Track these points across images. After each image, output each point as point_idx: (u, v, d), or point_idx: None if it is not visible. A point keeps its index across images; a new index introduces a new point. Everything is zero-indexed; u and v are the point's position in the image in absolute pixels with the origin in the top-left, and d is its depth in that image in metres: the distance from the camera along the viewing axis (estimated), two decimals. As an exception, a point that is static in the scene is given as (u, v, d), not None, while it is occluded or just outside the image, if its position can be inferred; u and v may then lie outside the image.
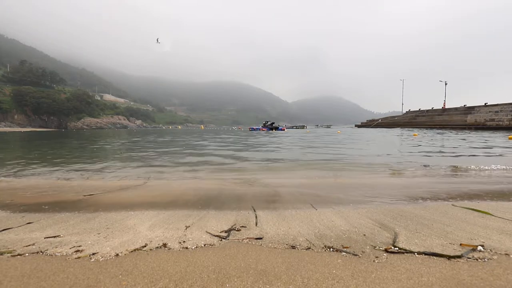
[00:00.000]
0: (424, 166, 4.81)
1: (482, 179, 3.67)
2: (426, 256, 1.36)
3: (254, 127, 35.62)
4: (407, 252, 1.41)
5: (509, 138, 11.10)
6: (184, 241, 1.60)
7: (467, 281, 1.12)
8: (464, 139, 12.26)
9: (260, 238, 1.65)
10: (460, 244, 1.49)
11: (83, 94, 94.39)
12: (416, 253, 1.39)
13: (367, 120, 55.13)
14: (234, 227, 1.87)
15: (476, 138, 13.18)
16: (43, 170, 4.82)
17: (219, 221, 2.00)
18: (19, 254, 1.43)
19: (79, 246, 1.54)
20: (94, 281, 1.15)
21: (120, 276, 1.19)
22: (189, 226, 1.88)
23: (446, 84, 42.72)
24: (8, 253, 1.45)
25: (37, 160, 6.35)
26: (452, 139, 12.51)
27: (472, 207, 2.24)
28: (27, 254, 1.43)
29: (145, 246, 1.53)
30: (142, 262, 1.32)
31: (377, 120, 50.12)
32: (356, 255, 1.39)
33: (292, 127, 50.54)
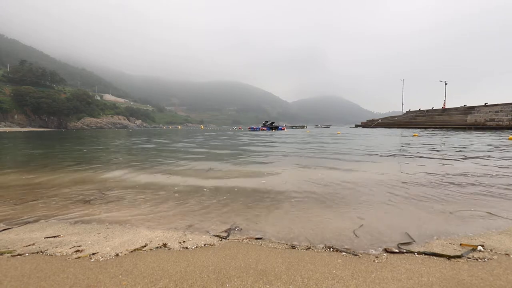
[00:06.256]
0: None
1: None
2: (426, 256, 1.36)
3: (254, 127, 35.64)
4: (407, 252, 1.41)
5: (509, 139, 11.06)
6: (184, 241, 1.60)
7: (467, 281, 1.12)
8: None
9: (260, 238, 1.65)
10: (460, 244, 1.49)
11: (83, 94, 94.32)
12: (416, 253, 1.39)
13: (367, 120, 55.09)
14: (234, 227, 1.87)
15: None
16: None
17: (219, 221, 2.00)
18: (19, 254, 1.43)
19: (79, 246, 1.54)
20: (94, 281, 1.15)
21: (120, 276, 1.19)
22: (189, 226, 1.88)
23: (446, 84, 42.71)
24: (8, 253, 1.45)
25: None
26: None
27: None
28: (27, 254, 1.43)
29: (145, 246, 1.53)
30: (142, 262, 1.32)
31: (377, 120, 50.10)
32: (356, 255, 1.39)
33: (292, 127, 50.65)
